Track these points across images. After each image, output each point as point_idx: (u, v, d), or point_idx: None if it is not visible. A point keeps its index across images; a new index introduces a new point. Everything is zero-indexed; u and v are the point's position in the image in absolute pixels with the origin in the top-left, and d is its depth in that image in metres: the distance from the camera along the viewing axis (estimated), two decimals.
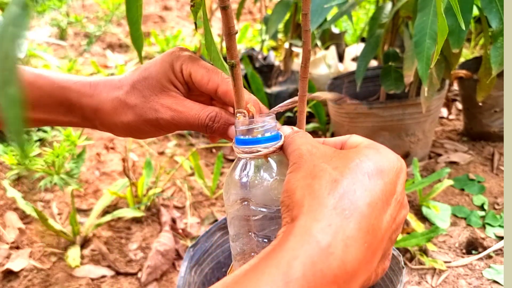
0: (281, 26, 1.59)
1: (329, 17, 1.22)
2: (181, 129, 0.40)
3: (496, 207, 1.01)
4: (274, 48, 2.21)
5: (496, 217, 0.96)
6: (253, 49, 1.84)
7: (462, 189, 1.08)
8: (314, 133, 1.40)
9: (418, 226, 0.90)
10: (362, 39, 1.68)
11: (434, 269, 0.85)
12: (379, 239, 0.27)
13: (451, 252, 0.89)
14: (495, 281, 0.81)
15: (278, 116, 1.35)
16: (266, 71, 1.63)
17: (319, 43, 1.71)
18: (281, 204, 0.30)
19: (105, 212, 1.04)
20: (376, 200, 0.27)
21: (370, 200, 0.27)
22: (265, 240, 0.35)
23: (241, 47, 2.20)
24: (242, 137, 0.35)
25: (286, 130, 0.37)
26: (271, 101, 1.44)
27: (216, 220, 1.04)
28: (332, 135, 1.33)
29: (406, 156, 1.17)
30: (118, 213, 1.00)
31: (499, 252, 0.88)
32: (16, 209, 1.03)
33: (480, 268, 0.84)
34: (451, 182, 1.00)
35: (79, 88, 0.40)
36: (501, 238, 0.91)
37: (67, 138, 1.01)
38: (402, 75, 1.03)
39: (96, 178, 1.22)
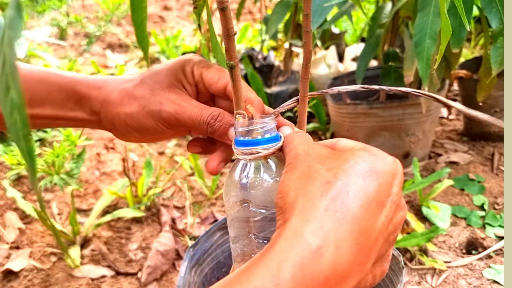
0: (281, 26, 1.59)
1: (329, 17, 1.22)
2: (181, 126, 0.40)
3: (496, 207, 1.01)
4: (274, 48, 2.21)
5: (496, 217, 0.96)
6: (253, 49, 1.84)
7: (462, 189, 1.08)
8: (314, 133, 1.40)
9: (418, 226, 0.90)
10: (362, 39, 1.68)
11: (434, 269, 0.85)
12: (373, 240, 0.26)
13: (451, 252, 0.89)
14: (495, 281, 0.81)
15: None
16: (266, 71, 1.64)
17: (319, 43, 1.71)
18: (275, 206, 0.30)
19: (105, 212, 1.04)
20: (369, 202, 0.27)
21: (364, 202, 0.27)
22: (265, 241, 0.35)
23: (241, 47, 2.20)
24: (241, 138, 0.35)
25: (286, 130, 0.37)
26: (271, 101, 1.44)
27: (216, 220, 1.04)
28: (332, 135, 1.33)
29: (406, 156, 1.17)
30: (118, 213, 1.00)
31: (499, 252, 0.88)
32: (16, 209, 1.03)
33: (480, 268, 0.84)
34: (451, 182, 1.00)
35: (89, 82, 0.42)
36: (501, 238, 0.91)
37: (67, 138, 1.01)
38: (402, 75, 1.03)
39: (96, 178, 1.22)
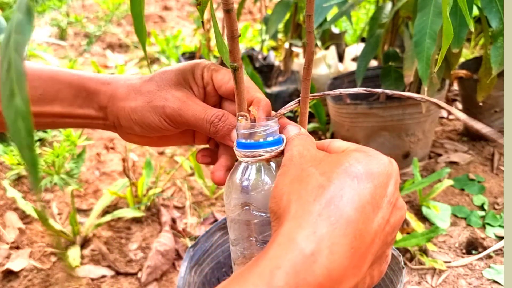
0: (281, 26, 1.58)
1: (329, 17, 1.22)
2: (184, 124, 0.40)
3: (496, 207, 1.01)
4: (274, 48, 2.21)
5: (496, 217, 0.96)
6: (253, 49, 1.84)
7: (462, 189, 1.08)
8: (314, 133, 1.40)
9: (418, 226, 0.90)
10: (362, 39, 1.68)
11: (434, 269, 0.85)
12: (368, 243, 0.26)
13: (451, 252, 0.89)
14: (495, 281, 0.81)
15: None
16: (266, 71, 1.64)
17: (319, 43, 1.71)
18: (270, 211, 0.29)
19: (105, 212, 1.04)
20: (364, 204, 0.27)
21: (358, 205, 0.26)
22: (265, 244, 0.35)
23: (241, 47, 2.20)
24: (243, 140, 0.35)
25: (291, 131, 0.36)
26: (271, 101, 1.42)
27: (216, 220, 1.04)
28: (332, 135, 1.33)
29: (406, 156, 1.17)
30: (118, 213, 1.00)
31: (499, 252, 0.88)
32: (16, 209, 1.03)
33: (480, 268, 0.84)
34: (451, 182, 1.00)
35: (98, 78, 0.42)
36: (501, 238, 0.91)
37: (67, 138, 1.01)
38: (402, 75, 1.03)
39: (96, 178, 1.22)
